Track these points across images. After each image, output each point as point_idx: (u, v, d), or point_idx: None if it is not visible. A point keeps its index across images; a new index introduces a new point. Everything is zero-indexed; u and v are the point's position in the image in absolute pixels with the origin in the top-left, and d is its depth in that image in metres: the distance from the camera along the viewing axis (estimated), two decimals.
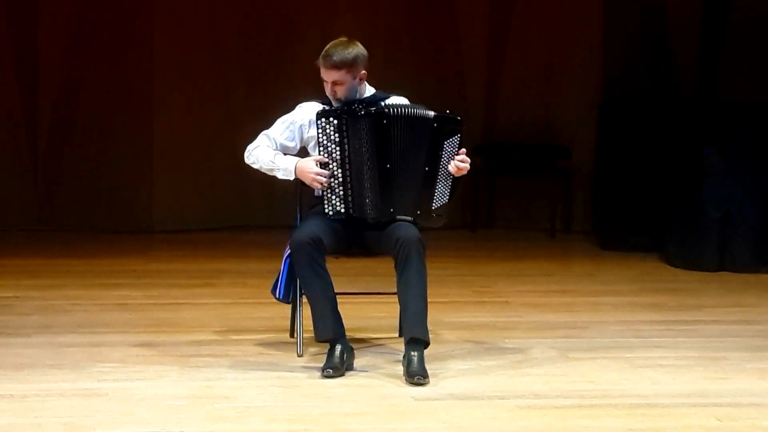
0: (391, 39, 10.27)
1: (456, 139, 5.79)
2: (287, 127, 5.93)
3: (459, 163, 5.76)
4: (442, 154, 5.77)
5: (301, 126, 5.92)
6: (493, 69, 10.57)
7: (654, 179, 9.35)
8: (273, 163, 5.85)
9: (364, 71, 5.84)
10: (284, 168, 5.83)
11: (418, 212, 5.77)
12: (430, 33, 10.46)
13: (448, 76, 10.46)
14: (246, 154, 5.92)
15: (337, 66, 5.75)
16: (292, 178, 5.84)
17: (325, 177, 5.73)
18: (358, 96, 5.85)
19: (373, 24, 10.14)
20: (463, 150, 5.79)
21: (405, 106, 5.83)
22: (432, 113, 5.77)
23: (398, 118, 5.74)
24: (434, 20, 10.47)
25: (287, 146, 5.91)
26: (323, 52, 5.80)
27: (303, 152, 5.98)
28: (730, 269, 8.67)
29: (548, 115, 10.51)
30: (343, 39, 5.86)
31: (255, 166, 5.91)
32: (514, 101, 10.53)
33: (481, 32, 10.50)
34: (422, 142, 5.76)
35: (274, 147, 5.89)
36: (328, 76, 5.79)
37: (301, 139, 5.94)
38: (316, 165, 5.75)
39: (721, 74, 9.53)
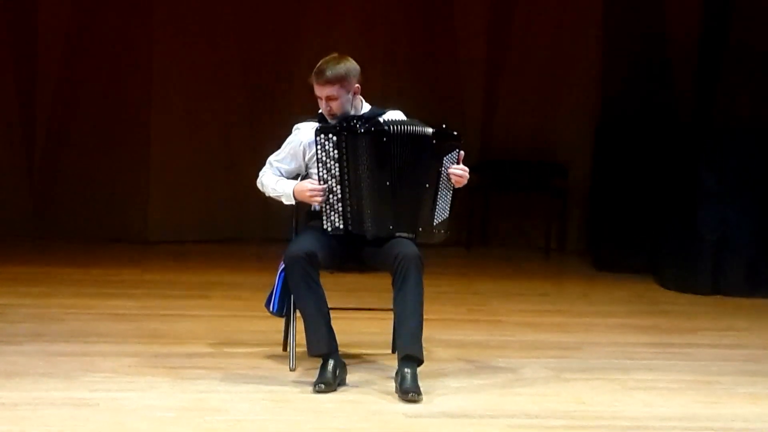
0: (390, 54, 10.29)
1: (455, 154, 5.80)
2: (288, 152, 5.97)
3: (457, 171, 5.76)
4: (442, 170, 5.78)
5: (302, 148, 5.93)
6: (491, 87, 10.58)
7: (649, 201, 9.35)
8: (275, 190, 5.94)
9: (357, 85, 5.85)
10: (285, 194, 5.90)
11: (420, 229, 5.77)
12: (429, 49, 10.47)
13: (447, 93, 10.46)
14: (258, 182, 6.02)
15: (330, 81, 5.76)
16: (293, 202, 5.91)
17: (321, 190, 5.73)
18: (353, 111, 5.86)
19: (371, 38, 10.15)
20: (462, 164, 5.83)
21: (404, 122, 5.81)
22: (430, 130, 5.77)
23: (398, 135, 5.74)
24: (433, 36, 10.48)
25: (290, 170, 5.97)
26: (315, 69, 5.82)
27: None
28: (724, 293, 8.66)
29: (545, 133, 10.51)
30: (335, 55, 5.87)
31: (266, 193, 5.98)
32: (512, 119, 10.54)
33: (480, 49, 10.51)
34: (422, 159, 5.76)
35: (278, 174, 5.94)
36: (321, 91, 5.80)
37: (304, 159, 5.95)
38: (310, 184, 5.78)
39: (718, 98, 9.55)
